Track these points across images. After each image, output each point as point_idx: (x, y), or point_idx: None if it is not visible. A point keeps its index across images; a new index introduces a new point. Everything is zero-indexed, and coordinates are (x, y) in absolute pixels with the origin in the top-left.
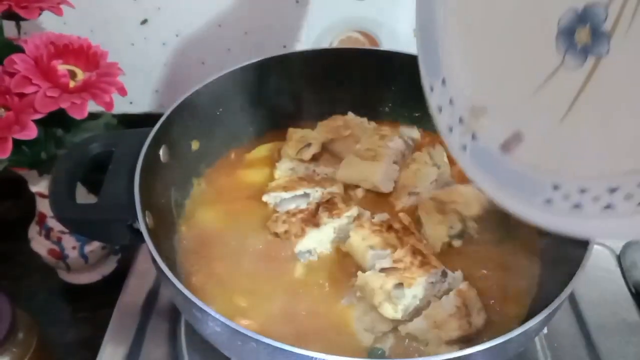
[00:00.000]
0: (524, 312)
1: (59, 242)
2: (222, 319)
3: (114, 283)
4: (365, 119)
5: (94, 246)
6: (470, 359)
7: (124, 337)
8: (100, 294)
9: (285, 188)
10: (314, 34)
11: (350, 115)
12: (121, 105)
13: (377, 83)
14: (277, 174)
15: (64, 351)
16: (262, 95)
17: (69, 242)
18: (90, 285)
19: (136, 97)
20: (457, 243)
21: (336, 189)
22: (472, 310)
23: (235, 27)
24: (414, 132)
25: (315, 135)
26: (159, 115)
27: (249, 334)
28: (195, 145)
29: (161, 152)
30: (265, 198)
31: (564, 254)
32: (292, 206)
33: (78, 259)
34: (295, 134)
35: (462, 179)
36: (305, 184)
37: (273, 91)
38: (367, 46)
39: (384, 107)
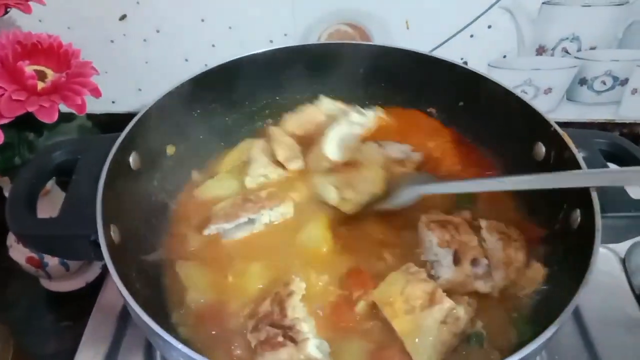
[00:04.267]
0: None
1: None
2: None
3: (99, 290)
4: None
5: None
6: None
7: (98, 347)
8: (83, 302)
9: (227, 217)
10: (302, 27)
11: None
12: (103, 105)
13: (369, 80)
14: (248, 181)
15: None
16: (244, 94)
17: None
18: (74, 293)
19: (118, 96)
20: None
21: (283, 207)
22: None
23: (219, 21)
24: None
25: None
26: None
27: None
28: (170, 150)
29: (131, 159)
30: (206, 232)
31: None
32: (237, 235)
33: (58, 266)
34: (284, 137)
35: None
36: (251, 206)
37: (254, 90)
38: (359, 40)
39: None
